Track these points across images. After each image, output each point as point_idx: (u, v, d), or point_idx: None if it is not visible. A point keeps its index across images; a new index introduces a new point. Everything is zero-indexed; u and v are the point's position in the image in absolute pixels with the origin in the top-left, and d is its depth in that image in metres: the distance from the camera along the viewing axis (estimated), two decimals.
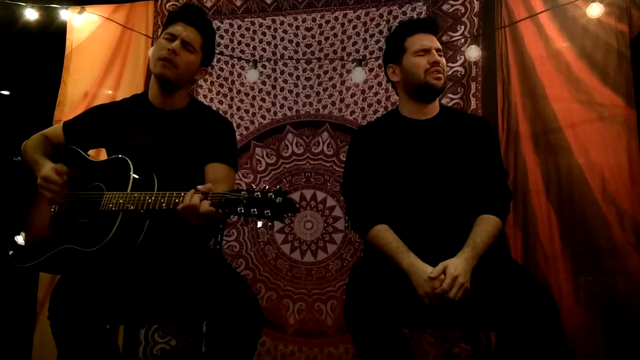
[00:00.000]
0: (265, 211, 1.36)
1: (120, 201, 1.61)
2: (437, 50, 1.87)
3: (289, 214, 1.41)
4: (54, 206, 1.82)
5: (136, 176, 1.67)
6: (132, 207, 1.59)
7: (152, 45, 3.04)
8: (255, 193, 1.37)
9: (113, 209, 1.62)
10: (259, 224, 1.42)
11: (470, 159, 1.81)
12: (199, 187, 1.49)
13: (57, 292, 1.59)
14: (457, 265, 1.57)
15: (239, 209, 1.37)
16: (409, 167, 1.81)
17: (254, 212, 1.36)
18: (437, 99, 1.92)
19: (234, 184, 1.96)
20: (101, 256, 1.62)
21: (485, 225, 1.71)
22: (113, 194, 1.65)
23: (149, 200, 1.57)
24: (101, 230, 1.62)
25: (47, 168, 1.75)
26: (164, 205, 1.54)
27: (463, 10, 2.86)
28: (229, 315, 1.55)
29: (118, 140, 1.85)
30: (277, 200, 1.36)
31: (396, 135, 1.88)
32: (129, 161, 1.70)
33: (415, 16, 2.89)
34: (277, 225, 2.92)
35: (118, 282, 1.64)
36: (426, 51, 1.85)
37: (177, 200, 1.52)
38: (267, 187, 1.39)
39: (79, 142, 1.93)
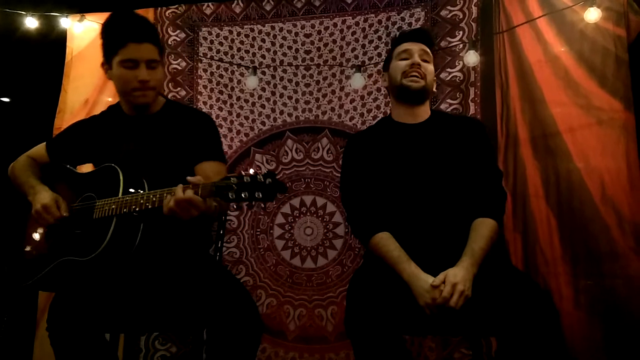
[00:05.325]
0: (257, 193, 1.38)
1: (113, 206, 1.62)
2: (423, 54, 1.88)
3: (280, 194, 1.41)
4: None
5: (126, 181, 1.67)
6: (125, 210, 1.59)
7: None
8: (245, 177, 1.39)
9: (106, 215, 1.63)
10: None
11: (463, 160, 1.81)
12: (189, 178, 1.49)
13: (55, 304, 1.58)
14: (457, 273, 1.57)
15: (230, 194, 1.38)
16: (402, 172, 1.81)
17: (245, 196, 1.38)
18: (426, 103, 1.92)
19: None
20: (99, 263, 1.62)
21: (482, 230, 1.69)
22: (105, 201, 1.66)
23: (141, 201, 1.57)
24: (97, 237, 1.62)
25: (49, 197, 1.75)
26: (156, 203, 1.54)
27: (461, 16, 2.87)
28: (228, 322, 1.55)
29: (103, 153, 1.83)
30: (267, 182, 1.38)
31: (387, 140, 1.89)
32: (117, 168, 1.70)
33: (413, 22, 2.91)
34: (277, 230, 2.93)
35: (117, 290, 1.64)
36: (409, 55, 1.87)
37: (168, 197, 1.52)
38: (255, 170, 1.40)
39: (64, 161, 1.93)
